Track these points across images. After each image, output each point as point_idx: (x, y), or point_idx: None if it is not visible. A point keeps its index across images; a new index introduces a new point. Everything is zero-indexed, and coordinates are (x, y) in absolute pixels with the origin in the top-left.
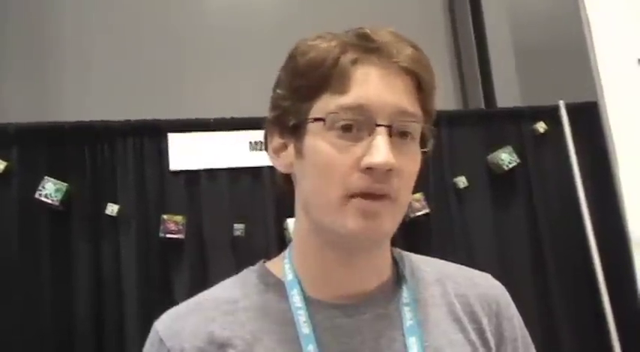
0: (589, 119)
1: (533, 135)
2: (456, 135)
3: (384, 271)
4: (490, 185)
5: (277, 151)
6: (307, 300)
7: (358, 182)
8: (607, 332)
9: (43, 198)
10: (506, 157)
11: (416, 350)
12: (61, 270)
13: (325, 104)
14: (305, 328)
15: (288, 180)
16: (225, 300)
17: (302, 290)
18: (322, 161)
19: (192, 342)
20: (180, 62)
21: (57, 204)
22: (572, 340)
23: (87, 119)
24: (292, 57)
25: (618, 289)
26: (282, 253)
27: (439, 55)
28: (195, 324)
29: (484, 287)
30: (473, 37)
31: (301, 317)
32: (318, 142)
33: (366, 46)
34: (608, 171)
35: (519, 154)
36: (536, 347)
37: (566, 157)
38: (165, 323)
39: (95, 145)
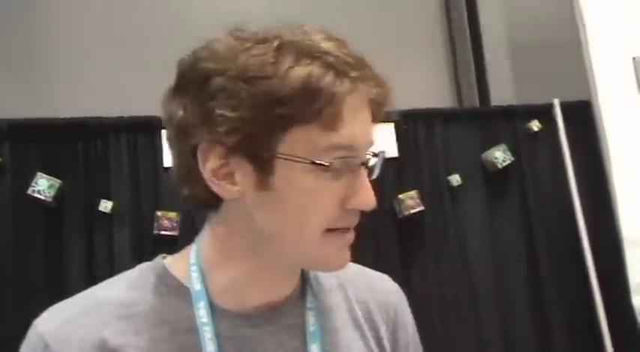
0: (583, 117)
1: (527, 133)
2: (451, 134)
3: (295, 279)
4: (484, 183)
5: (216, 173)
6: (214, 310)
7: (343, 220)
8: (599, 329)
9: (36, 195)
10: (500, 155)
11: None
12: (54, 267)
13: (310, 138)
14: (210, 345)
15: (210, 194)
16: (121, 303)
17: (209, 301)
18: (304, 199)
19: (81, 349)
20: (173, 58)
21: (50, 200)
22: (564, 334)
23: (80, 115)
24: (261, 77)
25: (610, 285)
26: (185, 255)
27: (434, 53)
28: (87, 329)
29: (383, 293)
30: (468, 35)
31: (207, 333)
32: (298, 179)
33: (350, 74)
34: (601, 169)
35: (513, 152)
36: (529, 342)
37: (560, 155)
38: (50, 326)
39: (88, 142)
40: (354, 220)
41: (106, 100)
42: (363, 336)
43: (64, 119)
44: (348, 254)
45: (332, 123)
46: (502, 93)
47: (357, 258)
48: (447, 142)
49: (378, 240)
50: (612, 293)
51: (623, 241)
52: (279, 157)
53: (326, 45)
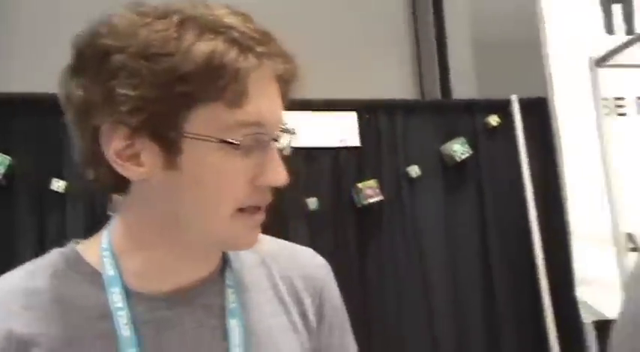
0: (540, 114)
1: (485, 127)
2: (411, 125)
3: (214, 258)
4: (442, 175)
5: (121, 155)
6: (129, 295)
7: (253, 198)
8: (544, 319)
9: None
10: (458, 148)
11: (237, 333)
12: (4, 247)
13: (217, 116)
14: (125, 330)
15: (117, 176)
16: (32, 291)
17: (123, 286)
18: (214, 178)
19: None
20: None
21: None
22: (512, 323)
23: (34, 90)
24: (163, 54)
25: (557, 277)
26: (97, 240)
27: (399, 45)
28: None
29: (309, 267)
30: (433, 29)
31: (122, 318)
32: (208, 158)
33: (256, 49)
34: (554, 165)
35: (472, 146)
36: (480, 330)
37: (516, 151)
38: None
39: (42, 118)
40: (266, 198)
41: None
42: (286, 311)
43: (17, 94)
44: (257, 232)
45: (238, 99)
46: (463, 86)
47: (314, 246)
48: (408, 134)
49: (336, 229)
50: (558, 286)
51: (571, 236)
52: (186, 136)
53: (230, 20)
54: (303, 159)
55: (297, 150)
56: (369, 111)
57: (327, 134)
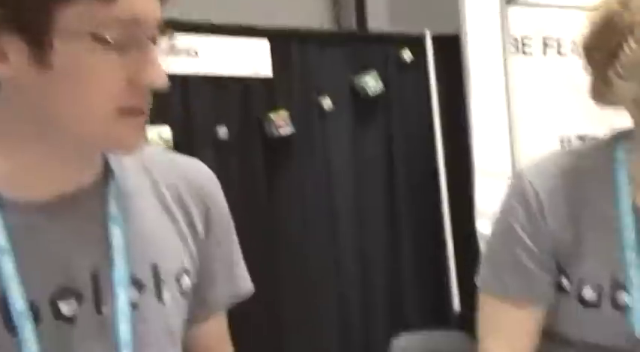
0: (452, 51)
1: (399, 61)
2: (325, 56)
3: (94, 164)
4: (353, 107)
5: None
6: (3, 203)
7: (132, 99)
8: (445, 249)
9: None
10: (371, 81)
11: (119, 240)
12: None
13: (89, 11)
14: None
15: None
16: None
17: None
18: (89, 77)
19: None
20: None
21: None
22: (413, 254)
23: None
24: None
25: (460, 211)
26: None
27: None
28: None
29: (193, 173)
30: None
31: None
32: (81, 55)
33: None
34: (463, 101)
35: (384, 79)
36: (381, 258)
37: (428, 86)
38: None
39: None
40: (145, 99)
41: None
42: (172, 219)
43: None
44: (141, 136)
45: None
46: (379, 18)
47: (223, 175)
48: (321, 64)
49: (245, 158)
50: (461, 219)
51: (474, 169)
52: (56, 32)
53: None
54: (212, 87)
55: (206, 77)
56: (281, 40)
57: (237, 61)
